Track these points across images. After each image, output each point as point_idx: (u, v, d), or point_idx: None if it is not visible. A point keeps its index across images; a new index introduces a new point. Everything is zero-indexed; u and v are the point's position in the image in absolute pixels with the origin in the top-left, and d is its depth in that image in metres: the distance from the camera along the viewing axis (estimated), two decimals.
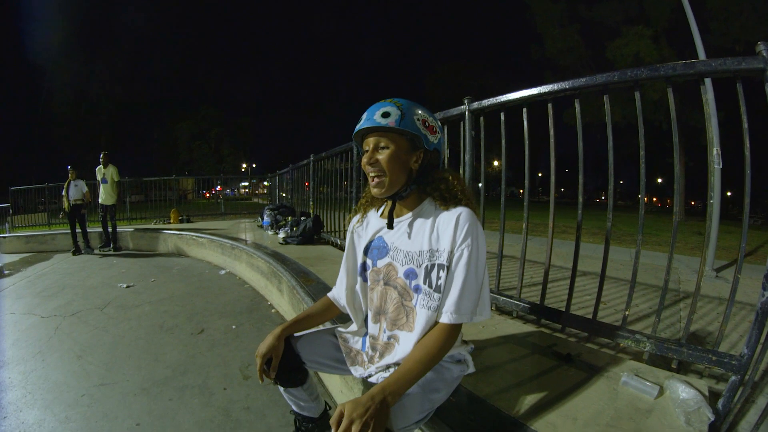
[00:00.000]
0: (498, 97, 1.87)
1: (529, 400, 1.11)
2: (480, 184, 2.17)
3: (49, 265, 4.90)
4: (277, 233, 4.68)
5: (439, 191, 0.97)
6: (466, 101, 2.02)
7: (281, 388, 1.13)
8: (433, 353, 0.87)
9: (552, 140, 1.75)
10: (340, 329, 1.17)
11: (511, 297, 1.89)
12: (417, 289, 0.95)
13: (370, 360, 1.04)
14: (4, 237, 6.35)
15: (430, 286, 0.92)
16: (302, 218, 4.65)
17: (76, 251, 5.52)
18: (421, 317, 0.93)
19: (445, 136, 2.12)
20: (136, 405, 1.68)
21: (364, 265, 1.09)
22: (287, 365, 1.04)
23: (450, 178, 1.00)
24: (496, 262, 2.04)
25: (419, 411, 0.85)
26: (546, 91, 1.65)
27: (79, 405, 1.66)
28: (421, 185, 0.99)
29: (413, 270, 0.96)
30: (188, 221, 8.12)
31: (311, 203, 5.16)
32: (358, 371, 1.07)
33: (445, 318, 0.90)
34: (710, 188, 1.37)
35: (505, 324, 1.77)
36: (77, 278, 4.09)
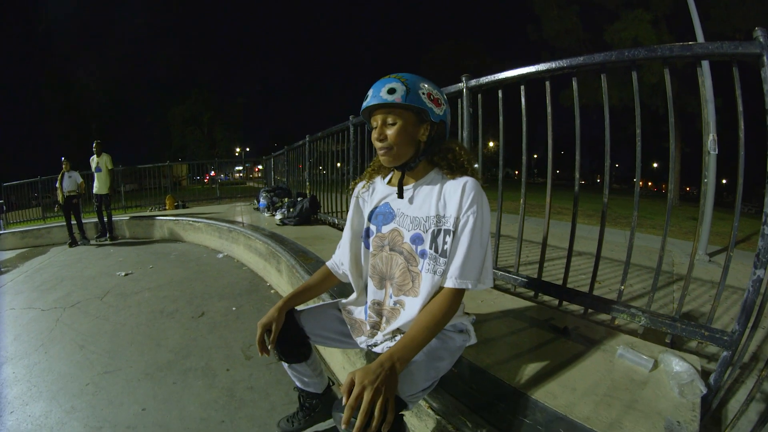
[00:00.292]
0: (496, 75, 1.86)
1: (529, 371, 1.12)
2: (476, 165, 2.16)
3: (46, 258, 4.87)
4: (274, 215, 4.65)
5: (447, 161, 1.01)
6: (464, 78, 2.01)
7: (285, 365, 1.15)
8: (438, 318, 0.89)
9: (549, 117, 1.73)
10: (342, 301, 1.18)
11: (509, 272, 1.90)
12: (423, 254, 0.97)
13: (376, 326, 1.05)
14: None
15: (436, 251, 0.94)
16: (299, 199, 4.61)
17: (73, 243, 5.48)
18: (426, 282, 0.95)
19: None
20: (141, 390, 1.69)
21: (367, 231, 1.10)
22: (292, 340, 1.07)
23: (456, 148, 1.03)
24: (494, 240, 2.03)
25: (425, 379, 0.87)
26: (544, 68, 1.64)
27: (84, 394, 1.68)
28: (428, 156, 1.02)
29: (420, 235, 0.98)
30: (184, 207, 8.06)
31: (308, 184, 5.12)
32: (363, 341, 1.08)
33: (450, 282, 0.92)
34: (704, 168, 1.40)
35: (503, 299, 1.78)
36: (75, 269, 4.07)
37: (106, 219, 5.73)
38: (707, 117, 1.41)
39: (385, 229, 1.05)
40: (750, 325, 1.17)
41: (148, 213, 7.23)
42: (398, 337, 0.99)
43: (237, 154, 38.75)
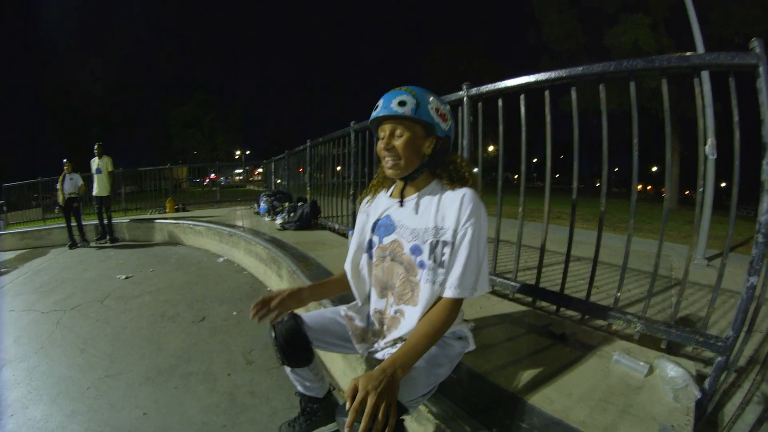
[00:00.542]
0: (496, 84, 1.89)
1: (526, 376, 1.15)
2: (476, 170, 2.18)
3: (46, 260, 4.87)
4: (274, 219, 4.67)
5: (448, 172, 1.04)
6: (464, 87, 2.04)
7: (288, 369, 1.17)
8: (438, 326, 0.91)
9: (548, 127, 1.76)
10: (345, 309, 1.20)
11: (507, 279, 1.92)
12: (422, 265, 1.00)
13: (378, 335, 1.09)
14: None
15: (434, 261, 0.97)
16: (299, 204, 4.62)
17: (73, 245, 5.49)
18: (425, 292, 0.98)
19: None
20: (142, 394, 1.71)
21: (370, 243, 1.14)
22: (296, 344, 1.09)
23: (458, 160, 1.06)
24: (493, 246, 2.05)
25: (425, 384, 0.91)
26: (543, 78, 1.67)
27: (85, 398, 1.69)
28: (431, 168, 1.05)
29: (418, 246, 1.01)
30: (184, 210, 8.07)
31: (309, 189, 5.13)
32: (364, 348, 1.11)
33: (449, 292, 0.94)
34: (700, 177, 1.42)
35: (501, 305, 1.80)
36: (75, 272, 4.08)
37: (106, 221, 5.73)
38: (703, 126, 1.44)
39: (387, 240, 1.09)
40: (744, 330, 1.19)
41: (148, 216, 7.24)
42: (399, 345, 1.01)
43: (237, 156, 38.79)
